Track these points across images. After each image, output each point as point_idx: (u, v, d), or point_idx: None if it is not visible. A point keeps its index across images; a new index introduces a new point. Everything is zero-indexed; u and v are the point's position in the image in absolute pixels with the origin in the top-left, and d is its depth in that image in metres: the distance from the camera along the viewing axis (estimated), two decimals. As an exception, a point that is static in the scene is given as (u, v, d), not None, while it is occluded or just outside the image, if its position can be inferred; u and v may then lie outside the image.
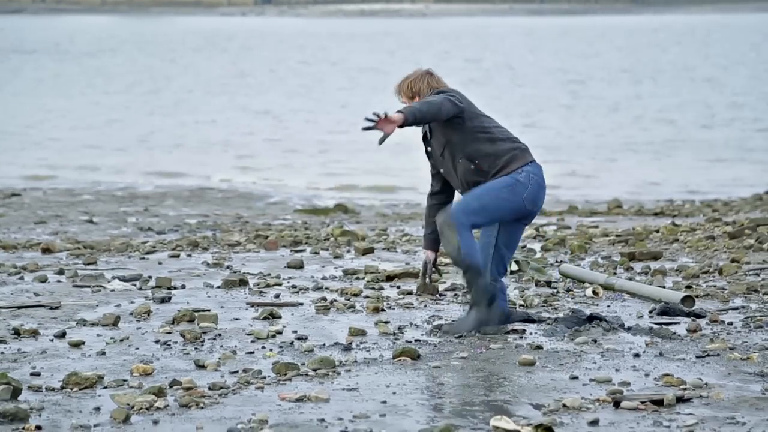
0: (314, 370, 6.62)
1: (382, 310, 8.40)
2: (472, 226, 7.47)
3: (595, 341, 7.34)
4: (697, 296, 8.80)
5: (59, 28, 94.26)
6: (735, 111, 33.05)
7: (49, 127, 30.02)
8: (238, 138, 28.09)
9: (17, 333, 7.63)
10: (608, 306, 8.62)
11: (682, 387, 6.23)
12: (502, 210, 7.46)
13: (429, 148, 7.74)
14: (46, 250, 11.62)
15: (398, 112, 7.22)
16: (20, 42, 71.88)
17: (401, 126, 7.21)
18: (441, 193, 7.84)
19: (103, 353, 7.11)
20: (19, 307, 8.54)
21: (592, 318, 7.73)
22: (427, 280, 7.95)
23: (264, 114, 33.77)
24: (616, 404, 5.91)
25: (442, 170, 7.73)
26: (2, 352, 7.16)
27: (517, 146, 7.58)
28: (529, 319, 7.85)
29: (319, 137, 27.82)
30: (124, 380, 6.42)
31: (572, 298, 8.92)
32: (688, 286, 9.28)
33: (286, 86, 43.38)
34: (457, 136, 7.54)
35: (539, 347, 7.18)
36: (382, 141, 7.20)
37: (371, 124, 7.14)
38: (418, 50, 64.73)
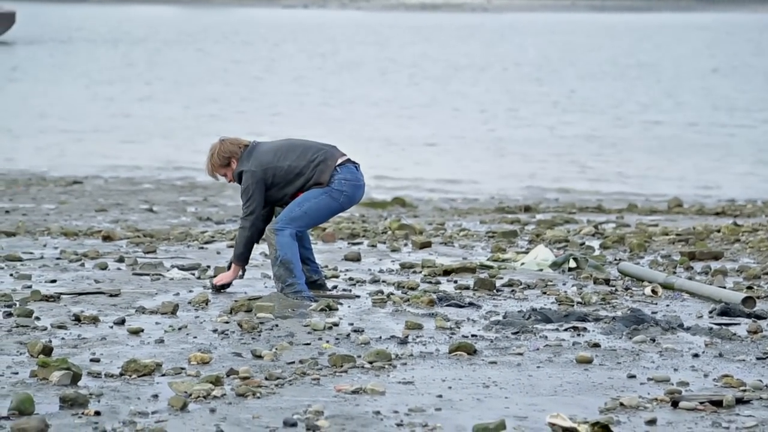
0: (370, 362, 6.63)
1: (438, 302, 8.38)
2: (297, 231, 8.45)
3: (654, 340, 7.28)
4: (758, 297, 8.71)
5: (124, 18, 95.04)
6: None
7: (107, 117, 30.27)
8: (305, 130, 28.15)
9: (78, 319, 7.70)
10: (667, 305, 8.55)
11: (741, 388, 6.17)
12: (322, 212, 8.47)
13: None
14: (107, 238, 11.72)
15: (230, 264, 8.70)
16: (90, 31, 72.55)
17: (242, 268, 8.67)
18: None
19: (162, 341, 7.16)
20: (80, 294, 8.62)
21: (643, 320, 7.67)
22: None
23: (324, 106, 33.84)
24: (674, 404, 5.87)
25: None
26: (63, 338, 7.24)
27: (312, 171, 8.41)
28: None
29: (381, 132, 27.77)
30: (182, 368, 6.47)
31: (631, 297, 8.87)
32: (749, 287, 9.19)
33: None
34: (272, 193, 8.49)
35: (597, 345, 7.14)
36: (222, 289, 8.67)
37: (212, 288, 8.68)
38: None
